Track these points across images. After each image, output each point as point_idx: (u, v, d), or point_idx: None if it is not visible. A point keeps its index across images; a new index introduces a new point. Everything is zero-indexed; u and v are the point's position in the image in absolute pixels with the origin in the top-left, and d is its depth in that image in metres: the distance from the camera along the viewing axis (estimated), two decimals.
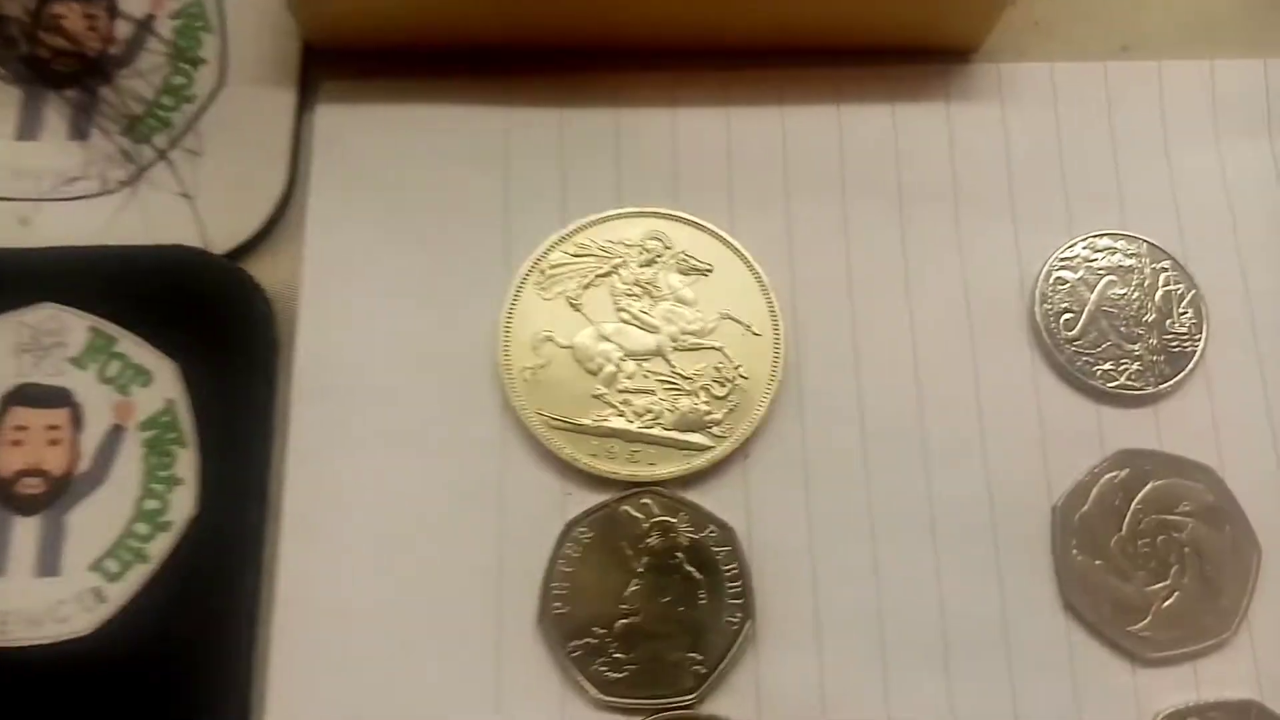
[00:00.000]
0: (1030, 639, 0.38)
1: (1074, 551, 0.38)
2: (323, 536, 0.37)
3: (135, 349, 0.38)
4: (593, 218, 0.40)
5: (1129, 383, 0.40)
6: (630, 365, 0.39)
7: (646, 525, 0.38)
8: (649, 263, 0.40)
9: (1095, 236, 0.41)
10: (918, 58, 0.43)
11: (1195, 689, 0.38)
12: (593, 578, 0.37)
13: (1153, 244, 0.42)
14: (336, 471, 0.38)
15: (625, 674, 0.36)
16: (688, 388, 0.39)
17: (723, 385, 0.39)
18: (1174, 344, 0.40)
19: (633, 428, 0.38)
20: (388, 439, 0.38)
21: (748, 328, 0.40)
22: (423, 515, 0.38)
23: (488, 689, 0.36)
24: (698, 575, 0.37)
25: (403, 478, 0.38)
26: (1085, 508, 0.39)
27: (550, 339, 0.39)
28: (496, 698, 0.36)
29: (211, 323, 0.39)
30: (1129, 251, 0.41)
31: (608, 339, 0.39)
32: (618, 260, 0.40)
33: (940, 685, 0.37)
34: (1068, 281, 0.41)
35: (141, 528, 0.37)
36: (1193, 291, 0.41)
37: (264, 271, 0.40)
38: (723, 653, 0.37)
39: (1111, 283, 0.41)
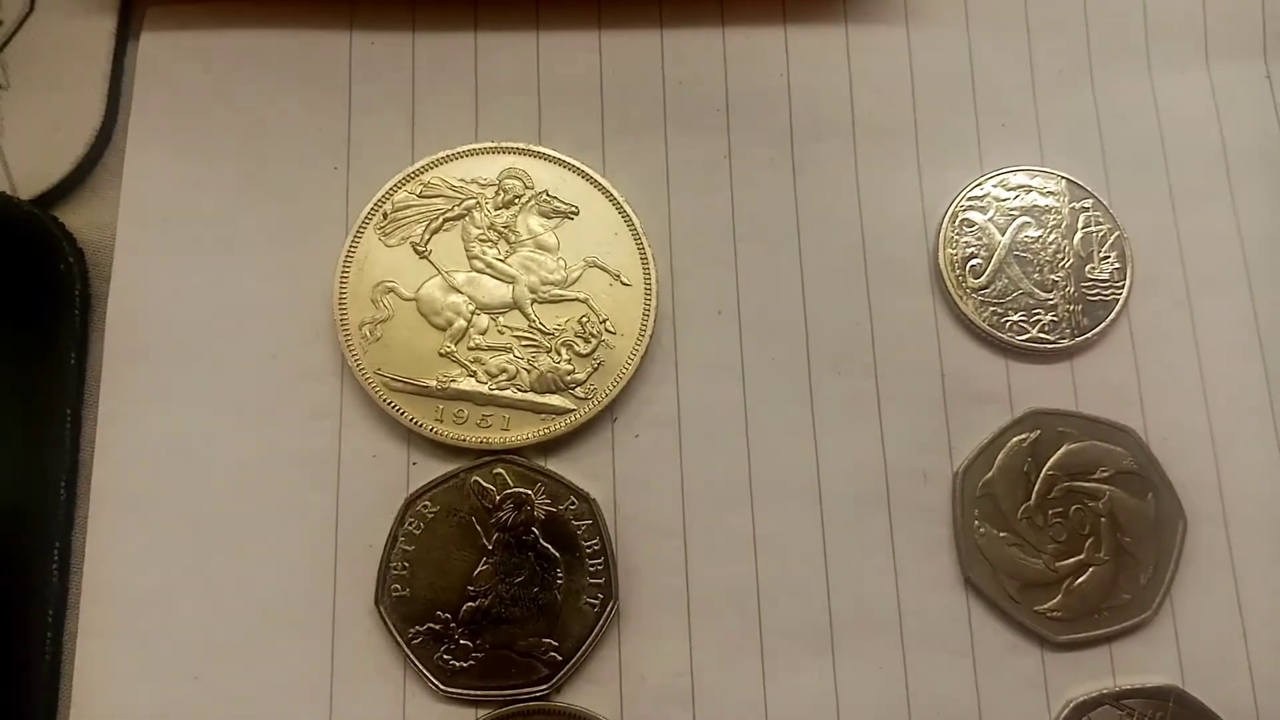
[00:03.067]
0: (926, 619, 0.34)
1: (976, 522, 0.34)
2: (136, 513, 0.33)
3: None
4: (444, 154, 0.36)
5: (1042, 335, 0.36)
6: (483, 319, 0.35)
7: (498, 498, 0.34)
8: (507, 204, 0.36)
9: (1008, 173, 0.37)
10: None
11: (1111, 675, 0.34)
12: (437, 556, 0.33)
13: (1073, 181, 0.37)
14: (153, 441, 0.34)
15: (471, 663, 0.33)
16: (548, 344, 0.35)
17: (587, 341, 0.35)
18: (1094, 293, 0.36)
19: (484, 389, 0.34)
20: (211, 404, 0.34)
21: (616, 277, 0.35)
22: (249, 488, 0.34)
23: (320, 680, 0.33)
24: (554, 553, 0.33)
25: (227, 447, 0.34)
26: (990, 474, 0.35)
27: (392, 290, 0.35)
28: (330, 690, 0.33)
29: (14, 275, 0.35)
30: (1046, 189, 0.37)
31: (458, 290, 0.35)
32: (471, 201, 0.36)
33: (825, 671, 0.33)
34: (976, 223, 0.37)
35: None
36: (1116, 234, 0.37)
37: (78, 219, 0.36)
38: (581, 638, 0.33)
39: (1025, 224, 0.37)
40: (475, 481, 0.34)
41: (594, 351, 0.35)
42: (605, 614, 0.33)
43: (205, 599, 0.33)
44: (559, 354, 0.35)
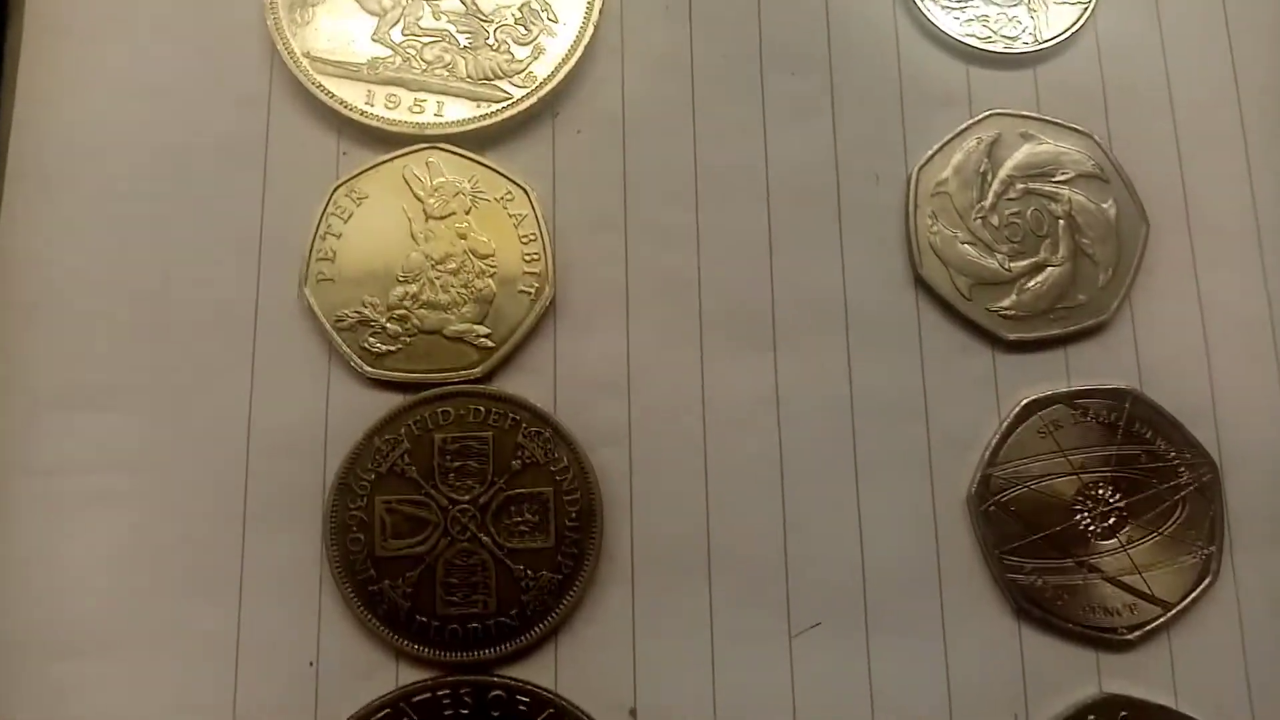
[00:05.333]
0: (875, 315, 0.33)
1: (929, 221, 0.33)
2: (54, 191, 0.32)
3: None
4: None
5: (1005, 38, 0.34)
6: (418, 6, 0.33)
7: (431, 185, 0.32)
8: None
9: None
10: None
11: (1066, 376, 0.33)
12: (366, 244, 0.32)
13: None
14: (73, 121, 0.32)
15: (399, 347, 0.31)
16: (486, 31, 0.33)
17: (528, 28, 0.33)
18: None
19: (418, 75, 0.33)
20: (135, 87, 0.33)
21: None
22: (172, 171, 0.32)
23: (242, 364, 0.31)
24: (487, 241, 0.32)
25: (151, 130, 0.33)
26: (945, 174, 0.33)
27: None
28: (253, 372, 0.31)
29: None
30: None
31: None
32: None
33: (765, 363, 0.32)
34: None
35: None
36: None
37: None
38: (515, 326, 0.32)
39: None
40: (408, 169, 0.33)
41: (535, 38, 0.33)
42: (539, 301, 0.32)
43: (123, 279, 0.32)
44: (498, 40, 0.33)
